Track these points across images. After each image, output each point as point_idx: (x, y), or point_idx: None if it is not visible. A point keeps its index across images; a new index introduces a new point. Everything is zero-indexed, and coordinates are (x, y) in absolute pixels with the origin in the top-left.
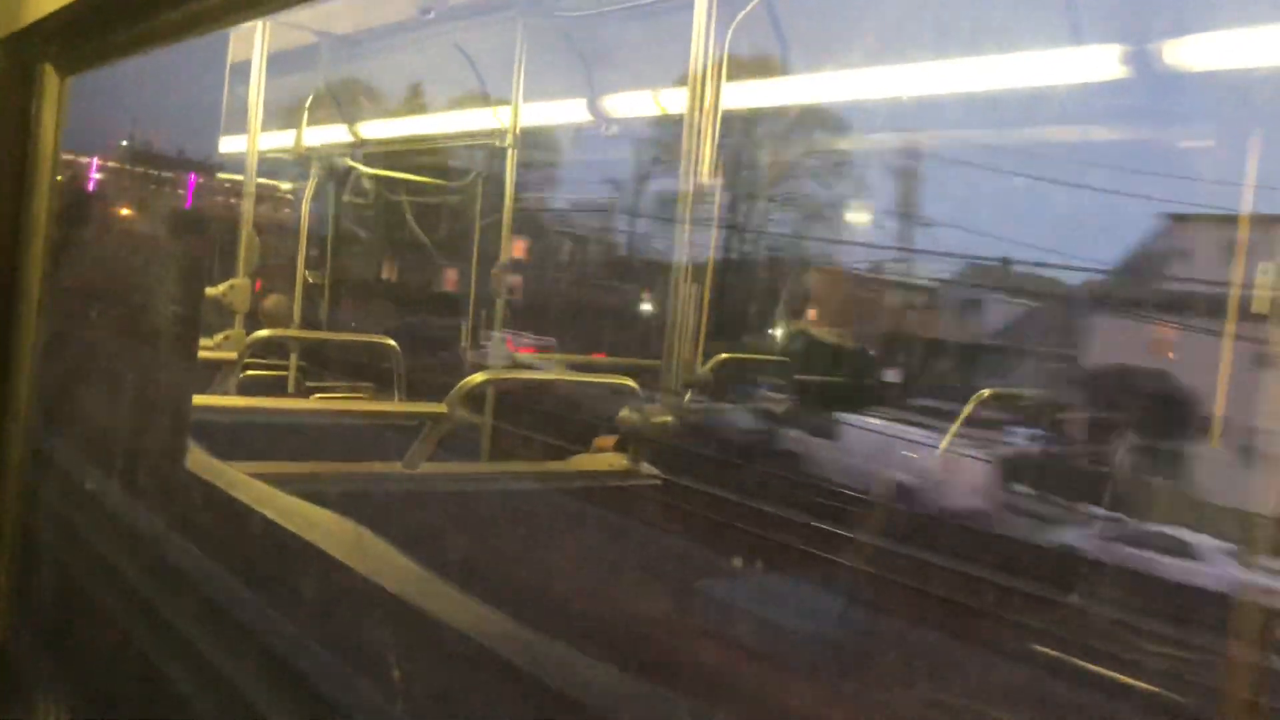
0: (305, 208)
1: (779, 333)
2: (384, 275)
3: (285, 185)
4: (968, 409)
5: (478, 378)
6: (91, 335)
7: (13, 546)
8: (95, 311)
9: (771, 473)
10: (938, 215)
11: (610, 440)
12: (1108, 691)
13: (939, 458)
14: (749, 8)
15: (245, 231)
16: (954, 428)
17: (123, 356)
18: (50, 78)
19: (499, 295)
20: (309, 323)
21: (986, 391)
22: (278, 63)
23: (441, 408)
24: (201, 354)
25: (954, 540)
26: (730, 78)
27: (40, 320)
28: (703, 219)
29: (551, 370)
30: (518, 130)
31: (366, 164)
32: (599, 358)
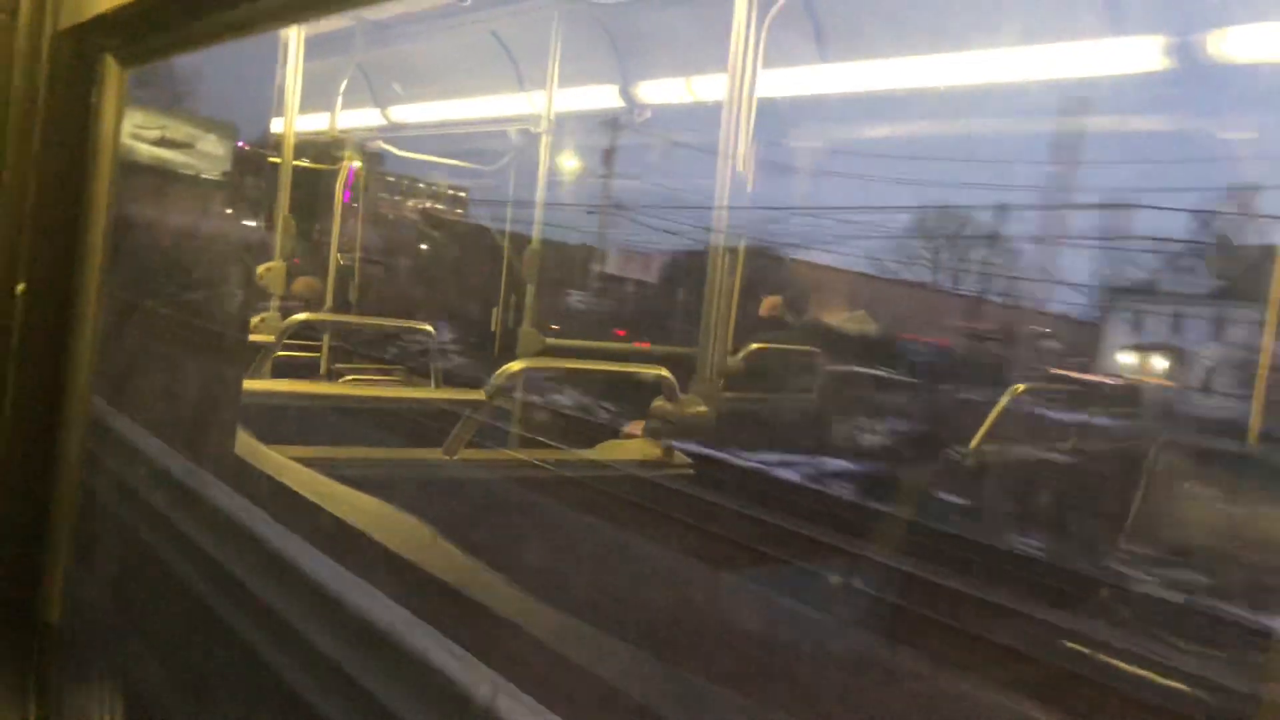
0: (338, 190)
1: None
2: (418, 258)
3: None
4: None
5: (514, 365)
6: (150, 327)
7: (70, 527)
8: (157, 303)
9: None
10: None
11: (639, 425)
12: None
13: None
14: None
15: (281, 215)
16: None
17: (178, 348)
18: (111, 69)
19: (530, 281)
20: (340, 304)
21: None
22: (313, 46)
23: (480, 394)
24: None
25: None
26: None
27: (99, 306)
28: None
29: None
30: (552, 116)
31: (400, 148)
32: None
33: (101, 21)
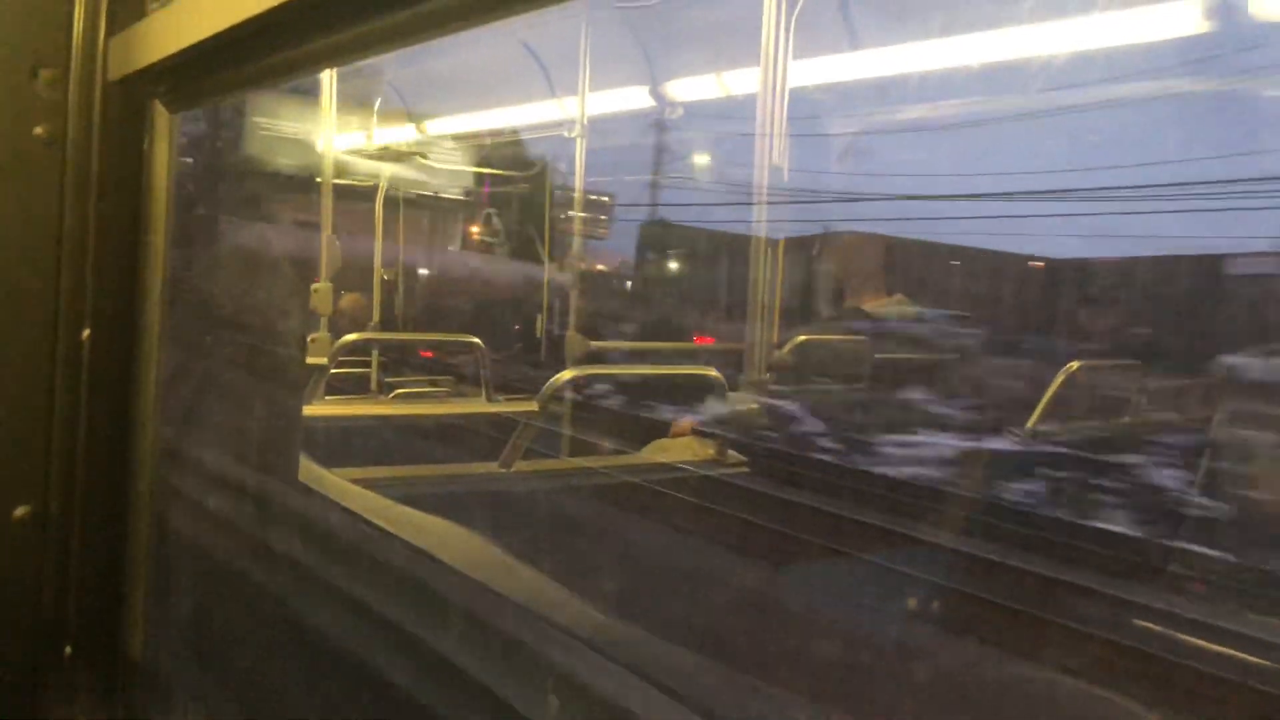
0: (379, 205)
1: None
2: (459, 270)
3: None
4: None
5: (565, 374)
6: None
7: (147, 564)
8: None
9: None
10: None
11: (688, 424)
12: None
13: None
14: None
15: (325, 235)
16: None
17: (240, 379)
18: (161, 114)
19: (574, 288)
20: (386, 319)
21: None
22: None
23: (533, 405)
24: None
25: None
26: None
27: (162, 345)
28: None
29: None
30: (585, 120)
31: (437, 161)
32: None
33: (151, 71)
